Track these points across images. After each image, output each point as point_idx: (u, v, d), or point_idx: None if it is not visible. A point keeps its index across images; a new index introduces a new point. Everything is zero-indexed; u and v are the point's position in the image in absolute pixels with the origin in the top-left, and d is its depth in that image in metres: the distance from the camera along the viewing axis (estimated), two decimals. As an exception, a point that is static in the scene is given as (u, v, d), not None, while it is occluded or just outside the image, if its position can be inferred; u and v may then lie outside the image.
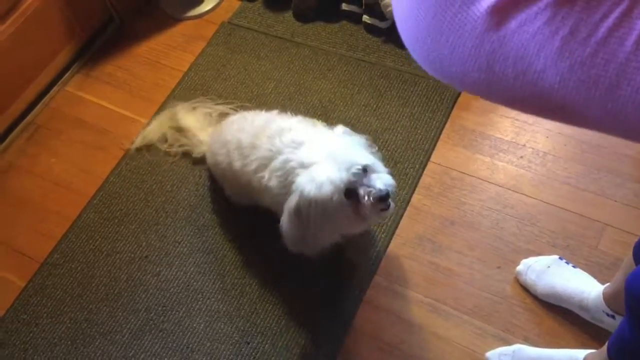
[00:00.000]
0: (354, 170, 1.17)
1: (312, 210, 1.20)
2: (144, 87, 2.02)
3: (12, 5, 1.79)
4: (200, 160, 1.77)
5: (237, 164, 1.44)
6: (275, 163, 1.33)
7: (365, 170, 1.19)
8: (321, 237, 1.28)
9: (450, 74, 0.48)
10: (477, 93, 0.49)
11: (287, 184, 1.28)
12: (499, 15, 0.41)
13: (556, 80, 0.41)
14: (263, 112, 1.54)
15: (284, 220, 1.27)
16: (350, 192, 1.18)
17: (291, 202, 1.22)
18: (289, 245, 1.32)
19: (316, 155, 1.24)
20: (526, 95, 0.44)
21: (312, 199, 1.19)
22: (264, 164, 1.36)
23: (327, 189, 1.16)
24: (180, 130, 1.82)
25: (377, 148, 1.33)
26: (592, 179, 1.62)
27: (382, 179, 1.18)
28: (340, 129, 1.32)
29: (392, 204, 1.22)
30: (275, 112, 1.52)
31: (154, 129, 1.82)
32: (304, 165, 1.24)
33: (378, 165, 1.24)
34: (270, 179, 1.35)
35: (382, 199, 1.16)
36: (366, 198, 1.16)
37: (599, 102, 0.44)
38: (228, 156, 1.48)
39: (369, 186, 1.16)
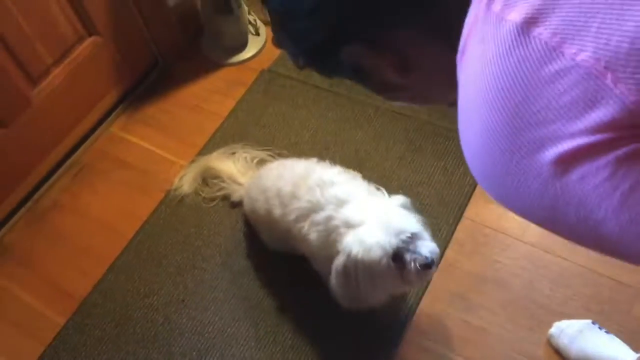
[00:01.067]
0: (402, 237, 1.21)
1: (359, 271, 1.25)
2: (185, 131, 2.08)
3: (65, 51, 1.88)
4: (238, 205, 1.82)
5: (277, 212, 1.48)
6: (317, 217, 1.37)
7: (412, 237, 1.23)
8: (370, 296, 1.32)
9: (516, 209, 0.52)
10: (540, 226, 0.52)
11: (329, 241, 1.32)
12: (563, 165, 0.44)
13: (616, 230, 0.44)
14: (302, 160, 1.58)
15: (333, 279, 1.31)
16: (397, 256, 1.22)
17: (339, 261, 1.27)
18: (340, 302, 1.36)
19: (363, 216, 1.28)
20: (587, 236, 0.48)
21: (359, 260, 1.23)
22: (304, 215, 1.41)
23: (376, 253, 1.21)
24: (218, 175, 1.87)
25: (425, 221, 1.35)
26: (626, 242, 1.62)
27: (427, 247, 1.23)
28: (400, 199, 1.35)
29: (434, 269, 1.26)
30: (314, 160, 1.57)
31: (191, 177, 1.88)
32: (349, 225, 1.29)
33: (424, 233, 1.28)
34: (310, 231, 1.39)
35: (428, 266, 1.21)
36: (412, 264, 1.20)
37: None
38: (267, 203, 1.52)
39: (415, 252, 1.21)
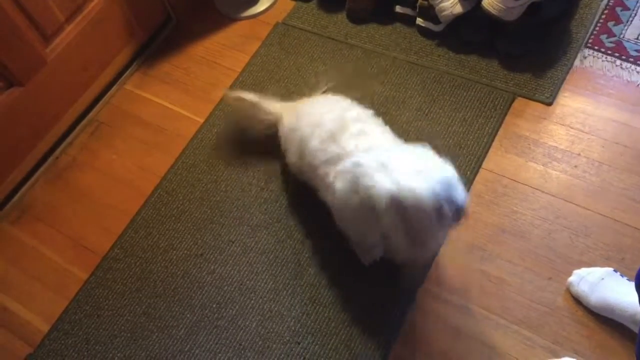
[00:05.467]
0: (450, 189, 1.18)
1: (405, 215, 1.19)
2: (200, 86, 2.07)
3: (77, 7, 1.86)
4: (253, 161, 1.81)
5: (313, 143, 1.44)
6: (344, 165, 1.32)
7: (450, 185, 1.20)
8: (400, 243, 1.27)
9: None
10: None
11: (357, 187, 1.26)
12: None
13: None
14: (356, 106, 1.54)
15: (384, 221, 1.23)
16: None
17: (380, 202, 1.20)
18: (362, 252, 1.34)
19: (398, 160, 1.22)
20: None
21: (407, 205, 1.17)
22: (334, 160, 1.37)
23: (426, 201, 1.16)
24: (247, 106, 1.79)
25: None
26: (649, 191, 1.59)
27: (461, 195, 1.19)
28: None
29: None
30: (370, 111, 1.52)
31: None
32: (383, 166, 1.22)
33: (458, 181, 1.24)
34: (336, 179, 1.34)
35: (461, 213, 1.20)
36: (449, 211, 1.18)
37: None
38: (307, 126, 1.48)
39: (451, 201, 1.18)
